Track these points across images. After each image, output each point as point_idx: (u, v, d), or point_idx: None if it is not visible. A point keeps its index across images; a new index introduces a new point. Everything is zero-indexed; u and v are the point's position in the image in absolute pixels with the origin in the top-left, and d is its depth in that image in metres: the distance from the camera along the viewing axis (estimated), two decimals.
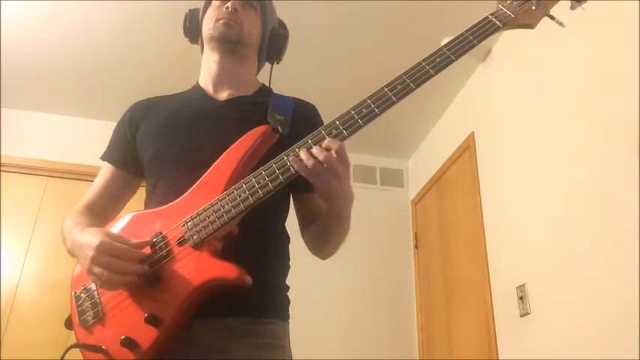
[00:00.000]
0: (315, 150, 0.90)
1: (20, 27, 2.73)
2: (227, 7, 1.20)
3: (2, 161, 3.11)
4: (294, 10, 2.44)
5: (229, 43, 1.20)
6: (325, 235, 1.08)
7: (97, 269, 0.91)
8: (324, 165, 0.88)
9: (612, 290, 1.73)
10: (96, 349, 0.94)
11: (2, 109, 3.27)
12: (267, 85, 1.31)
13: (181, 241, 0.95)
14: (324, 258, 1.16)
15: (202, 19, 1.26)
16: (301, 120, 1.11)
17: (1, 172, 3.11)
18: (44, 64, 2.98)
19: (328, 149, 0.89)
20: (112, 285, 0.94)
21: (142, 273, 0.92)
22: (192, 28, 1.29)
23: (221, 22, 1.19)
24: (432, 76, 0.94)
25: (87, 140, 3.17)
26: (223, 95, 1.21)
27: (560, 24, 1.01)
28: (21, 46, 2.85)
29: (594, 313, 1.80)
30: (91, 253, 0.91)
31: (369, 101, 0.93)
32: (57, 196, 3.12)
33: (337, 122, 0.93)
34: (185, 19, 1.30)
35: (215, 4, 1.23)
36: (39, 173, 3.21)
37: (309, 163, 0.88)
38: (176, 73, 2.65)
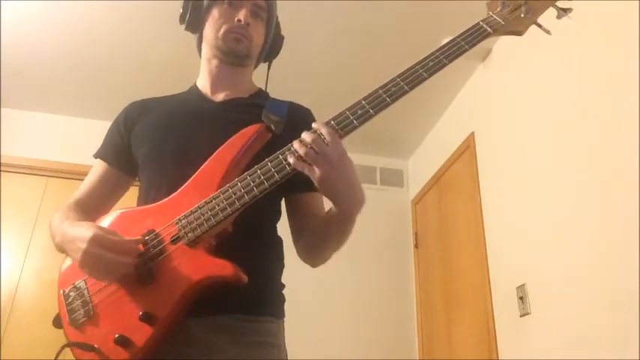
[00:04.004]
0: (304, 135, 0.90)
1: (20, 27, 2.73)
2: (239, 20, 1.16)
3: (2, 161, 3.11)
4: (295, 10, 2.45)
5: (236, 58, 1.20)
6: (326, 237, 1.04)
7: (90, 262, 0.91)
8: (316, 149, 0.87)
9: (612, 290, 1.73)
10: (89, 347, 0.94)
11: (2, 109, 3.27)
12: (265, 83, 1.31)
13: (175, 239, 0.94)
14: (315, 264, 1.12)
15: (206, 15, 1.21)
16: (296, 122, 1.10)
17: (1, 172, 3.11)
18: (44, 64, 2.98)
19: (316, 131, 0.89)
20: (105, 277, 0.94)
21: (134, 266, 0.92)
22: (193, 20, 1.22)
23: (232, 36, 1.17)
24: (425, 79, 0.96)
25: (87, 140, 3.14)
26: (220, 97, 1.21)
27: (547, 32, 1.04)
28: (21, 46, 2.85)
29: (594, 314, 1.80)
30: (83, 245, 0.91)
31: (363, 102, 0.94)
32: (57, 196, 3.11)
33: (332, 122, 0.93)
34: (185, 6, 1.23)
35: (224, 9, 1.19)
36: (39, 173, 3.21)
37: (302, 150, 0.88)
38: (176, 73, 2.65)
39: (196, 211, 0.94)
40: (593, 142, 1.92)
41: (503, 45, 2.71)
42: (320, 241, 1.07)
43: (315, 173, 0.88)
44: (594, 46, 1.99)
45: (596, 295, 1.80)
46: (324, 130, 0.89)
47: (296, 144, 0.90)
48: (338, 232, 1.01)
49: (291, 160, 0.90)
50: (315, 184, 0.89)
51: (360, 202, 0.94)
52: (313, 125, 0.91)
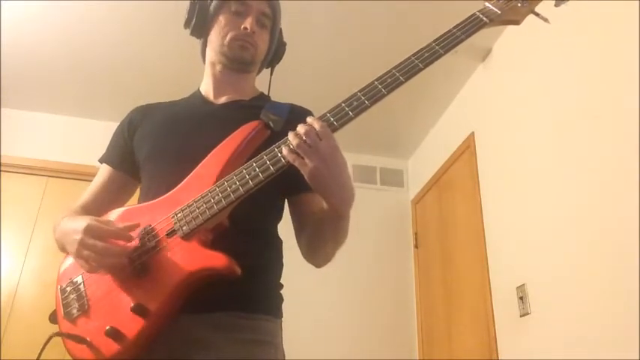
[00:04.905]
0: (299, 127, 0.90)
1: (20, 27, 2.74)
2: (245, 28, 1.18)
3: (2, 161, 3.11)
4: (295, 9, 2.45)
5: (241, 65, 1.22)
6: (321, 235, 1.05)
7: (85, 252, 0.92)
8: (308, 141, 0.88)
9: (612, 290, 1.73)
10: (79, 339, 0.94)
11: (2, 109, 3.28)
12: (267, 88, 1.32)
13: (171, 233, 0.95)
14: (319, 265, 1.12)
15: (212, 21, 1.22)
16: (297, 122, 1.10)
17: (1, 172, 3.11)
18: (44, 64, 2.99)
19: (310, 125, 0.89)
20: (101, 267, 0.94)
21: (130, 255, 0.93)
22: (198, 25, 1.24)
23: (238, 43, 1.19)
24: (420, 69, 0.95)
25: (87, 140, 3.17)
26: (222, 100, 1.23)
27: (545, 20, 1.03)
28: (21, 46, 2.86)
29: (594, 313, 1.80)
30: (78, 236, 0.92)
31: (359, 94, 0.94)
32: (57, 196, 3.12)
33: (328, 114, 0.94)
34: (191, 11, 1.24)
35: (231, 16, 1.20)
36: (39, 173, 3.22)
37: (295, 142, 0.89)
38: (176, 73, 2.65)
39: (192, 204, 0.95)
40: (593, 142, 1.92)
41: (503, 45, 2.71)
42: (317, 239, 1.07)
43: (307, 166, 0.88)
44: (594, 46, 1.99)
45: (596, 295, 1.80)
46: (316, 125, 0.89)
47: (291, 135, 0.90)
48: (332, 230, 1.01)
49: (284, 151, 0.90)
50: (306, 177, 0.90)
51: (350, 198, 0.94)
52: (307, 120, 0.91)
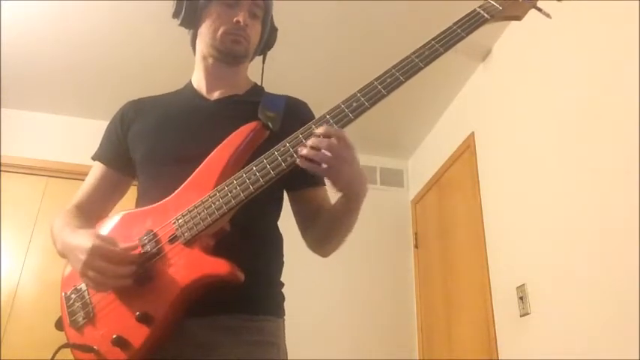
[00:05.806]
0: (314, 141, 0.88)
1: (20, 27, 2.73)
2: (238, 22, 1.15)
3: (2, 161, 3.11)
4: (294, 8, 2.45)
5: (234, 59, 1.20)
6: (333, 230, 1.07)
7: (91, 273, 0.91)
8: (330, 154, 0.87)
9: (612, 290, 1.73)
10: (87, 348, 0.94)
11: (2, 109, 3.27)
12: (260, 76, 1.31)
13: (172, 239, 0.94)
14: (326, 255, 1.14)
15: (202, 12, 1.19)
16: (293, 116, 1.09)
17: (1, 172, 3.11)
18: (44, 64, 2.98)
19: (328, 136, 0.88)
20: (106, 288, 0.94)
21: (135, 275, 0.92)
22: (188, 16, 1.20)
23: (231, 38, 1.16)
24: (421, 68, 0.94)
25: (87, 140, 3.14)
26: (215, 95, 1.21)
27: (547, 15, 1.01)
28: (21, 46, 2.85)
29: (594, 313, 1.80)
30: (83, 257, 0.91)
31: (359, 95, 0.93)
32: (57, 196, 3.11)
33: (328, 116, 0.93)
34: (180, 2, 1.20)
35: (223, 9, 1.17)
36: (39, 173, 3.21)
37: (318, 157, 0.87)
38: (176, 72, 2.64)
39: (193, 210, 0.94)
40: (593, 141, 1.92)
41: (503, 45, 2.70)
42: (328, 233, 1.09)
43: (331, 173, 0.90)
44: (595, 46, 1.98)
45: (596, 295, 1.80)
46: (334, 134, 0.88)
47: (310, 151, 0.88)
48: (346, 224, 1.04)
49: (303, 165, 0.89)
50: (331, 182, 0.92)
51: (364, 184, 0.98)
52: (322, 131, 0.89)
